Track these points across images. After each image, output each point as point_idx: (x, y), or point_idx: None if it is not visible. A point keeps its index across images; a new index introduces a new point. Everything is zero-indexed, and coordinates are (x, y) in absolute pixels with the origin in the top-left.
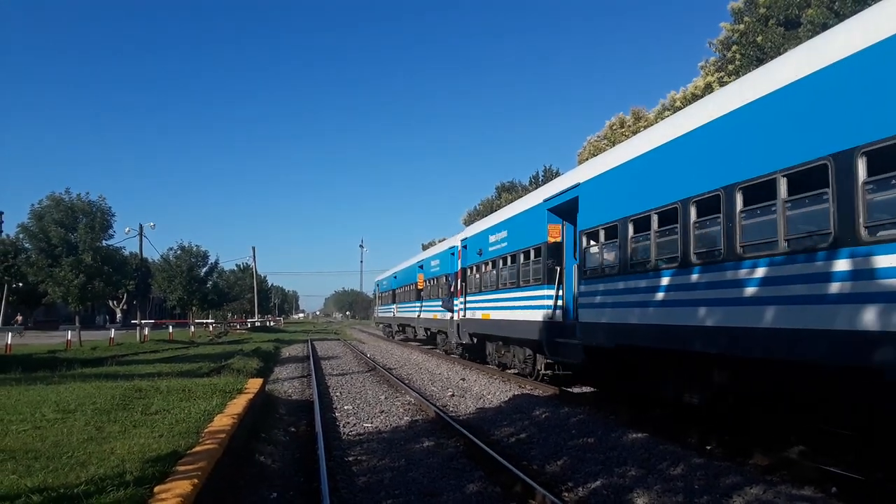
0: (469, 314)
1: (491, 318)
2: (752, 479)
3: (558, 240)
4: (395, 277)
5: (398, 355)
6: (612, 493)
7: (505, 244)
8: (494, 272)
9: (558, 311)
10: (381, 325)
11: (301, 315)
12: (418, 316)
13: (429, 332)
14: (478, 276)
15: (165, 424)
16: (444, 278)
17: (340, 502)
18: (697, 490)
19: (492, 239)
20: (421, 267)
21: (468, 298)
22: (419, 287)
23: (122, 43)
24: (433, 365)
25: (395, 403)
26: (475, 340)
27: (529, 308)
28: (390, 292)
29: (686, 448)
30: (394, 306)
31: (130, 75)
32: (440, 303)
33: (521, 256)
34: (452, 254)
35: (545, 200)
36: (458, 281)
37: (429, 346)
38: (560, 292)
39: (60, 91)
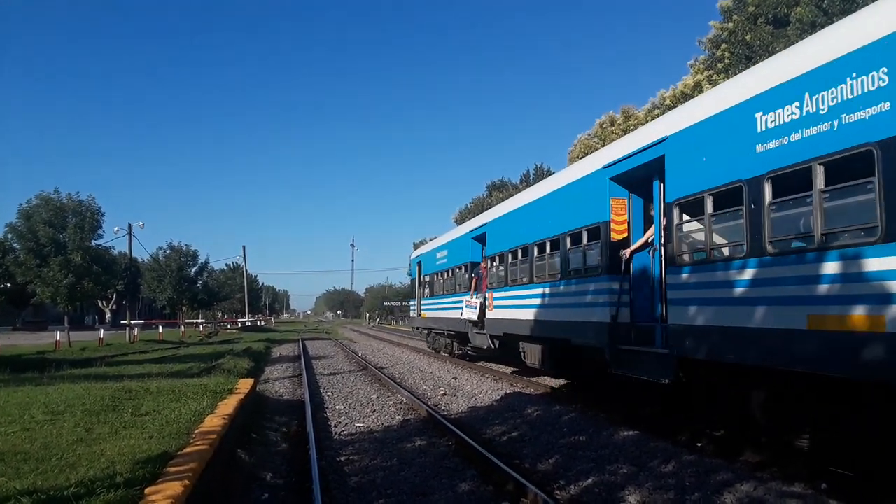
0: None
1: None
2: (742, 475)
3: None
4: (478, 239)
5: (389, 355)
6: (604, 490)
7: None
8: None
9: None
10: (426, 333)
11: (291, 314)
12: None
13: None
14: None
15: (155, 425)
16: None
17: (332, 502)
18: (688, 487)
19: None
20: (619, 180)
21: None
22: (615, 238)
23: (109, 36)
24: (424, 364)
25: (386, 403)
26: None
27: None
28: (456, 270)
29: (677, 445)
30: (465, 298)
31: (119, 69)
32: None
33: None
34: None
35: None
36: None
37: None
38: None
39: (46, 85)
